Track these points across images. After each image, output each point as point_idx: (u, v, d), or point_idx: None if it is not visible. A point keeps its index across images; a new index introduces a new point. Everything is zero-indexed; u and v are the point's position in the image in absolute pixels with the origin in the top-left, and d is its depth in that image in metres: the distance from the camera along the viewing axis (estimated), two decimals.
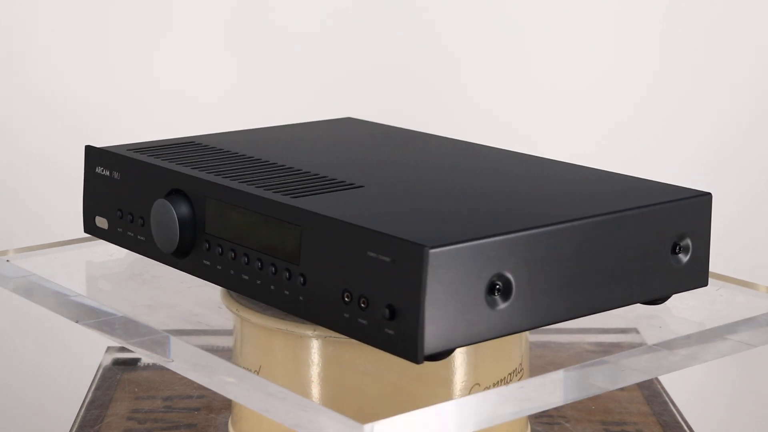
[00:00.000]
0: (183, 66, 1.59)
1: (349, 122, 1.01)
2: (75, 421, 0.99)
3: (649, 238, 0.74)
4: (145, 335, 0.78)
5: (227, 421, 0.92)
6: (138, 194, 0.84)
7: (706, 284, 0.78)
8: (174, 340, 0.76)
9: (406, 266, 0.65)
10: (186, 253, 0.81)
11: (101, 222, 0.88)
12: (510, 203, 0.75)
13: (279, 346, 0.80)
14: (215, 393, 0.73)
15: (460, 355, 0.78)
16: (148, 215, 0.83)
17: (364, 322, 0.68)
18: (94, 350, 1.21)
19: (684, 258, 0.77)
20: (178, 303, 0.91)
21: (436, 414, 0.65)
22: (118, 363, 1.11)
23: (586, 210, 0.73)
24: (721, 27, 1.59)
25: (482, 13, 1.58)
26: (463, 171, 0.84)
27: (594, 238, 0.72)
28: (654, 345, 0.76)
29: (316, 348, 0.78)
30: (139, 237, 0.85)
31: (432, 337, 0.65)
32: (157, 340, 0.77)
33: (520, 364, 0.83)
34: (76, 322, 0.82)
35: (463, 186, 0.79)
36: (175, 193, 0.81)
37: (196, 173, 0.81)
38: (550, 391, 0.70)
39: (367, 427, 0.62)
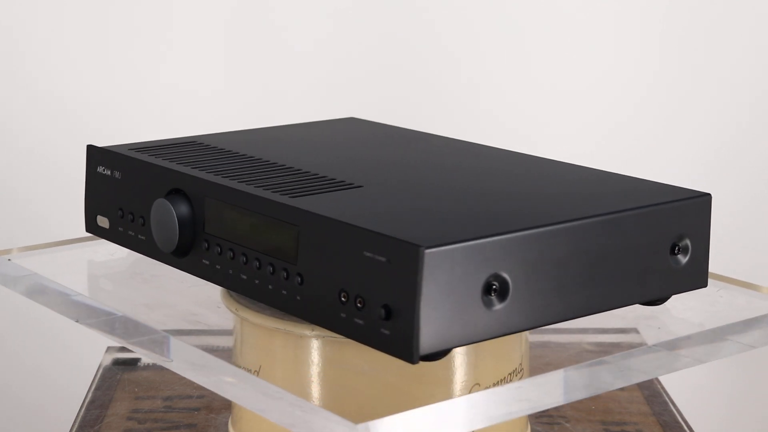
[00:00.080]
0: (184, 66, 1.59)
1: (351, 122, 1.01)
2: (75, 421, 0.99)
3: (647, 239, 0.74)
4: (145, 335, 0.78)
5: (227, 421, 0.92)
6: (138, 194, 0.84)
7: (705, 285, 0.78)
8: (173, 340, 0.76)
9: (401, 266, 0.65)
10: (185, 253, 0.81)
11: (102, 221, 0.88)
12: (508, 203, 0.75)
13: (279, 346, 0.80)
14: (215, 393, 0.73)
15: (460, 355, 0.78)
16: (149, 215, 0.83)
17: (361, 322, 0.68)
18: (94, 350, 1.21)
19: (683, 259, 0.76)
20: (177, 302, 0.91)
21: (435, 413, 0.65)
22: (118, 363, 1.11)
23: (584, 210, 0.73)
24: (721, 27, 1.59)
25: (482, 13, 1.58)
26: (463, 171, 0.84)
27: (592, 238, 0.72)
28: (654, 345, 0.76)
29: (316, 348, 0.78)
30: (139, 236, 0.85)
31: (427, 337, 0.65)
32: (157, 340, 0.77)
33: (520, 364, 0.83)
34: (76, 321, 0.82)
35: (463, 186, 0.79)
36: (174, 193, 0.81)
37: (196, 173, 0.81)
38: (550, 391, 0.70)
39: (361, 426, 0.62)
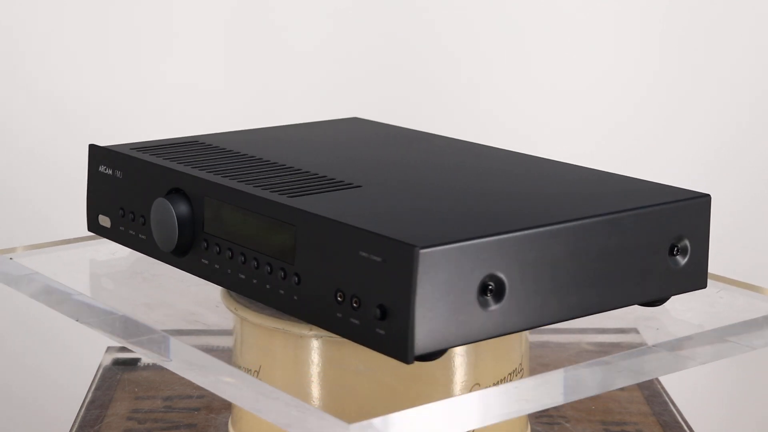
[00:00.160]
0: (186, 66, 1.59)
1: (354, 122, 1.01)
2: (75, 421, 0.99)
3: (645, 240, 0.74)
4: (144, 335, 0.78)
5: (227, 421, 0.92)
6: (139, 193, 0.84)
7: (704, 286, 0.78)
8: (172, 340, 0.76)
9: (396, 266, 0.65)
10: (185, 252, 0.81)
11: (104, 220, 0.89)
12: (506, 203, 0.75)
13: (279, 346, 0.80)
14: (215, 393, 0.73)
15: (460, 356, 0.78)
16: (149, 214, 0.83)
17: (356, 321, 0.68)
18: (94, 350, 1.21)
19: (682, 260, 0.76)
20: (176, 302, 0.91)
21: (434, 413, 0.65)
22: (118, 363, 1.11)
23: (582, 211, 0.72)
24: (721, 27, 1.59)
25: (482, 13, 1.58)
26: (463, 171, 0.84)
27: (589, 239, 0.71)
28: (654, 346, 0.76)
29: (316, 348, 0.78)
30: (140, 236, 0.85)
31: (422, 337, 0.65)
32: (156, 340, 0.77)
33: (520, 364, 0.83)
34: (77, 320, 0.82)
35: (461, 186, 0.79)
36: (174, 192, 0.81)
37: (195, 172, 0.81)
38: (550, 391, 0.70)
39: (355, 426, 0.62)
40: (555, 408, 1.00)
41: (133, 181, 0.85)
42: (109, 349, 1.14)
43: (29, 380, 1.61)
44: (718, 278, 0.86)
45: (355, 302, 0.68)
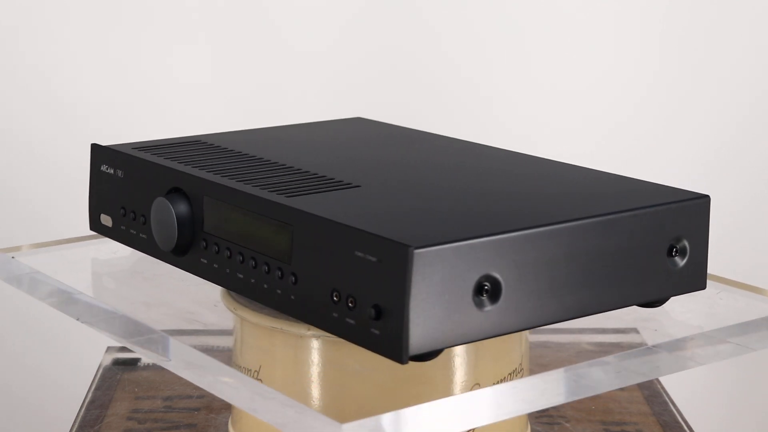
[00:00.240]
0: (188, 66, 1.59)
1: (356, 122, 1.01)
2: (75, 421, 0.99)
3: (643, 241, 0.74)
4: (143, 334, 0.78)
5: (227, 421, 0.92)
6: (140, 192, 0.84)
7: (704, 287, 0.78)
8: (172, 340, 0.76)
9: (391, 266, 0.65)
10: (185, 252, 0.81)
11: (106, 220, 0.89)
12: (504, 204, 0.75)
13: (278, 346, 0.80)
14: (213, 393, 0.73)
15: (459, 356, 0.78)
16: (149, 213, 0.83)
17: (352, 321, 0.68)
18: (94, 350, 1.21)
19: (681, 261, 0.76)
20: (175, 301, 0.91)
21: (433, 413, 0.65)
22: (118, 363, 1.11)
23: (579, 211, 0.72)
24: (721, 27, 1.59)
25: (482, 14, 1.58)
26: (463, 171, 0.83)
27: (587, 239, 0.71)
28: (654, 346, 0.76)
29: (316, 348, 0.78)
30: (141, 235, 0.85)
31: (417, 337, 0.65)
32: (155, 340, 0.77)
33: (520, 364, 0.83)
34: (77, 319, 0.83)
35: (460, 186, 0.79)
36: (174, 192, 0.81)
37: (195, 172, 0.81)
38: (550, 391, 0.70)
39: (347, 426, 0.62)
40: (555, 408, 1.00)
41: (133, 181, 0.85)
42: (109, 349, 1.14)
43: (29, 380, 1.61)
44: (718, 279, 0.86)
45: (351, 302, 0.68)
